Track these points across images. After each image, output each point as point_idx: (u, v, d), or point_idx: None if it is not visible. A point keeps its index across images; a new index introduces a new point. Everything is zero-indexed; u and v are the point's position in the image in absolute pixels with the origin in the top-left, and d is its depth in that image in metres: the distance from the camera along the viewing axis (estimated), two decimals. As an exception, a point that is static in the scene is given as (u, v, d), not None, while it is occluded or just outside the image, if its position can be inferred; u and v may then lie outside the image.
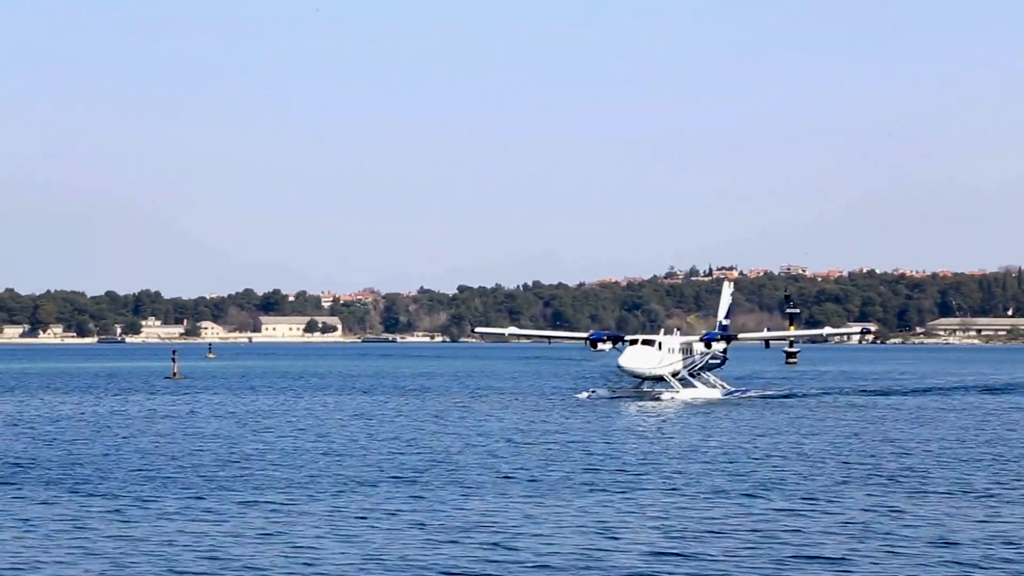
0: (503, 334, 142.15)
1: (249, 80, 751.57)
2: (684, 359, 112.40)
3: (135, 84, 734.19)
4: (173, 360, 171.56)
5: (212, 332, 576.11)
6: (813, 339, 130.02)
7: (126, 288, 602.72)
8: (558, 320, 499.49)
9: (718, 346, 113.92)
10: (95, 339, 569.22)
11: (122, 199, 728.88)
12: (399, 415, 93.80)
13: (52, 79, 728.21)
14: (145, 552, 37.47)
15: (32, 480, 54.34)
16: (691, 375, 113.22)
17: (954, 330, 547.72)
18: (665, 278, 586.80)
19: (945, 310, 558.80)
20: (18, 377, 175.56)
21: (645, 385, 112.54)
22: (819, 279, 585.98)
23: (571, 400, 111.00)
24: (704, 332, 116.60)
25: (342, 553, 37.09)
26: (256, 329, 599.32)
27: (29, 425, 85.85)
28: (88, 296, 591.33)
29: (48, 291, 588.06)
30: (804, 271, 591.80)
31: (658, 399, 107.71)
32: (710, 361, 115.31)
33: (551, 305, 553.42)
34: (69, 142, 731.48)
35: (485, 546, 37.97)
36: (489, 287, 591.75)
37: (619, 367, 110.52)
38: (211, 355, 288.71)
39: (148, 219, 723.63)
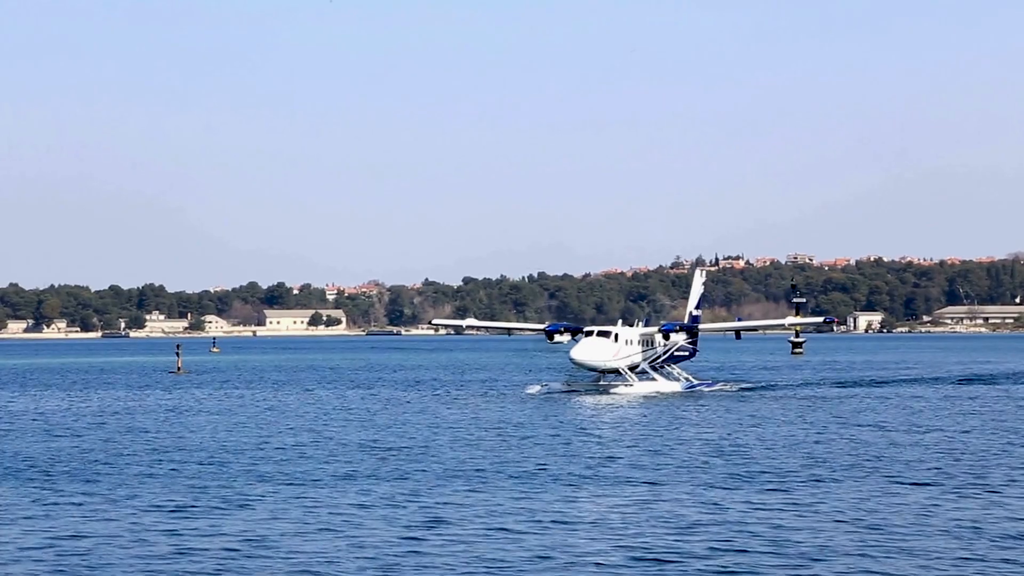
0: (461, 326, 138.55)
1: (254, 71, 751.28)
2: (644, 351, 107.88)
3: (139, 76, 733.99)
4: (177, 355, 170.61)
5: (216, 326, 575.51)
6: (749, 330, 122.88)
7: (130, 282, 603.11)
8: (563, 311, 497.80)
9: (677, 337, 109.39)
10: (99, 334, 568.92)
11: (126, 193, 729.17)
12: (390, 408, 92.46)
13: (54, 71, 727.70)
14: (149, 547, 35.97)
15: (39, 477, 52.92)
16: (653, 368, 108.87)
17: (961, 318, 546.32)
18: (671, 268, 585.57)
19: (952, 298, 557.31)
20: (21, 373, 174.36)
21: (606, 378, 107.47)
22: (826, 268, 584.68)
23: (520, 395, 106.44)
24: (662, 323, 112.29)
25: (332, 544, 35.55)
26: (260, 323, 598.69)
27: (31, 422, 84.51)
28: (92, 291, 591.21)
29: (52, 286, 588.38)
30: (811, 260, 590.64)
31: (609, 393, 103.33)
32: (676, 353, 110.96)
33: (556, 296, 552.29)
34: (72, 135, 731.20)
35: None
36: (494, 279, 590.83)
37: (571, 360, 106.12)
38: (215, 349, 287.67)
39: (152, 213, 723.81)
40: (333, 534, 38.56)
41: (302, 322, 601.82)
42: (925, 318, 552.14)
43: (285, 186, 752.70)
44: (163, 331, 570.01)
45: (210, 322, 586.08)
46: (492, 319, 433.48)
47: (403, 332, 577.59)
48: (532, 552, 35.82)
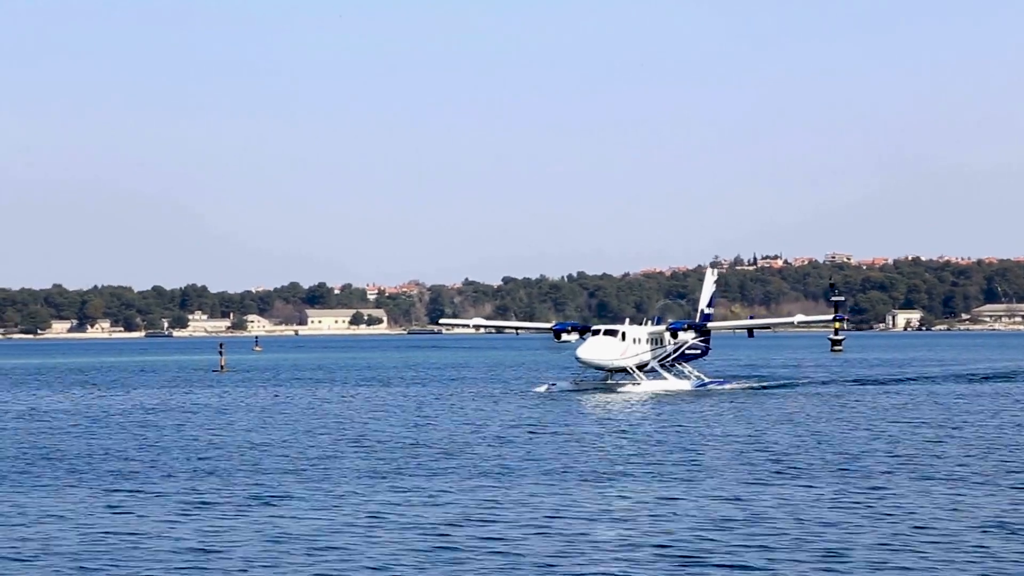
0: (468, 325, 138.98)
1: (295, 78, 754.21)
2: (653, 350, 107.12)
3: (179, 81, 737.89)
4: (220, 354, 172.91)
5: (258, 326, 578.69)
6: (761, 328, 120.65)
7: (173, 283, 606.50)
8: (603, 311, 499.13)
9: (686, 335, 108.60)
10: (142, 333, 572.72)
11: (169, 195, 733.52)
12: (431, 405, 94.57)
13: (93, 77, 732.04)
14: (203, 542, 38.48)
15: (90, 474, 55.36)
16: (663, 366, 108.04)
17: (1000, 316, 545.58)
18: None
19: (991, 296, 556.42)
20: (67, 372, 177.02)
21: (615, 377, 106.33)
22: (864, 267, 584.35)
23: (527, 393, 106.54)
24: (671, 321, 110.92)
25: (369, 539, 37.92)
26: (302, 322, 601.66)
27: (81, 420, 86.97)
28: (135, 291, 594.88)
29: (95, 286, 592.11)
30: (849, 259, 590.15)
31: (616, 392, 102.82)
32: (688, 352, 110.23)
33: (596, 295, 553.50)
34: (116, 139, 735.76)
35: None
36: (534, 278, 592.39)
37: (577, 359, 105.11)
38: (257, 348, 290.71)
39: (194, 214, 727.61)
40: (368, 530, 39.90)
41: (343, 321, 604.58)
42: (964, 316, 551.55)
43: (326, 188, 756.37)
44: (206, 331, 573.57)
45: (252, 322, 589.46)
46: (531, 318, 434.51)
47: (444, 331, 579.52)
48: (558, 546, 37.66)
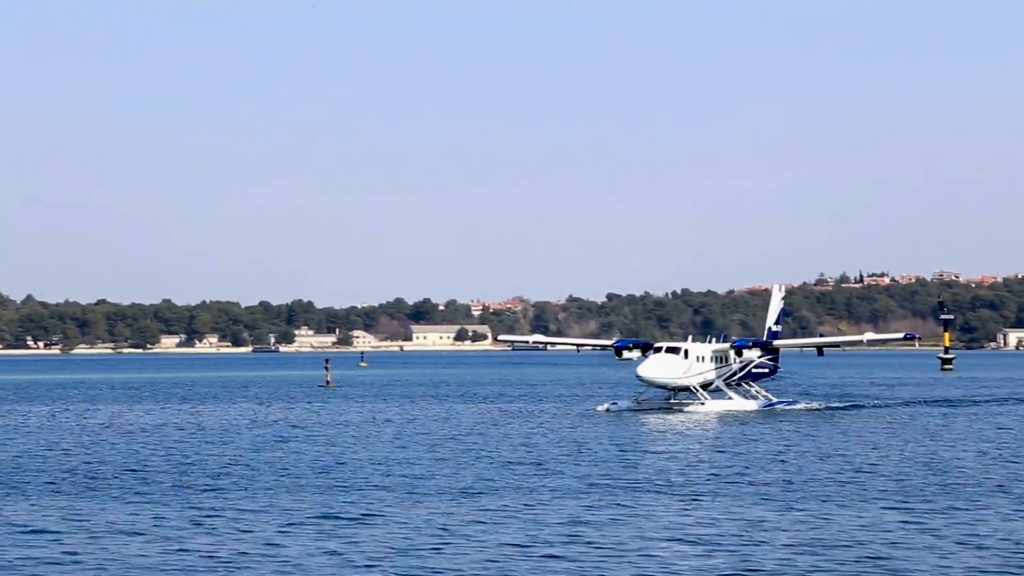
0: (527, 342, 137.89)
1: (413, 85, 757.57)
2: (717, 368, 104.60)
3: (298, 88, 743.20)
4: (326, 369, 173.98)
5: (364, 341, 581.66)
6: (831, 347, 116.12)
7: (279, 298, 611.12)
8: (707, 327, 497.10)
9: (751, 354, 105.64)
10: (249, 348, 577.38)
11: (276, 210, 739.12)
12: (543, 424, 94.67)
13: (221, 82, 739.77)
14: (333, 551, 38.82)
15: (226, 486, 55.99)
16: (728, 385, 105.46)
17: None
18: (815, 285, 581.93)
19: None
20: (181, 386, 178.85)
21: (678, 397, 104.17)
22: (973, 284, 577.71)
23: (588, 413, 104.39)
24: (736, 339, 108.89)
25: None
26: (407, 338, 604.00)
27: (181, 434, 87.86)
28: (242, 306, 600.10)
29: (203, 301, 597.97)
30: (957, 277, 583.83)
31: (680, 411, 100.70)
32: (754, 370, 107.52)
33: (700, 312, 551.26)
34: (223, 152, 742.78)
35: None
36: (638, 295, 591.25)
37: (638, 377, 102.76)
38: (363, 364, 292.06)
39: (301, 230, 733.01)
40: (459, 544, 40.44)
41: (448, 337, 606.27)
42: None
43: (429, 205, 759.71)
44: (312, 346, 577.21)
45: (358, 337, 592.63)
46: (636, 335, 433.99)
47: (548, 347, 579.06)
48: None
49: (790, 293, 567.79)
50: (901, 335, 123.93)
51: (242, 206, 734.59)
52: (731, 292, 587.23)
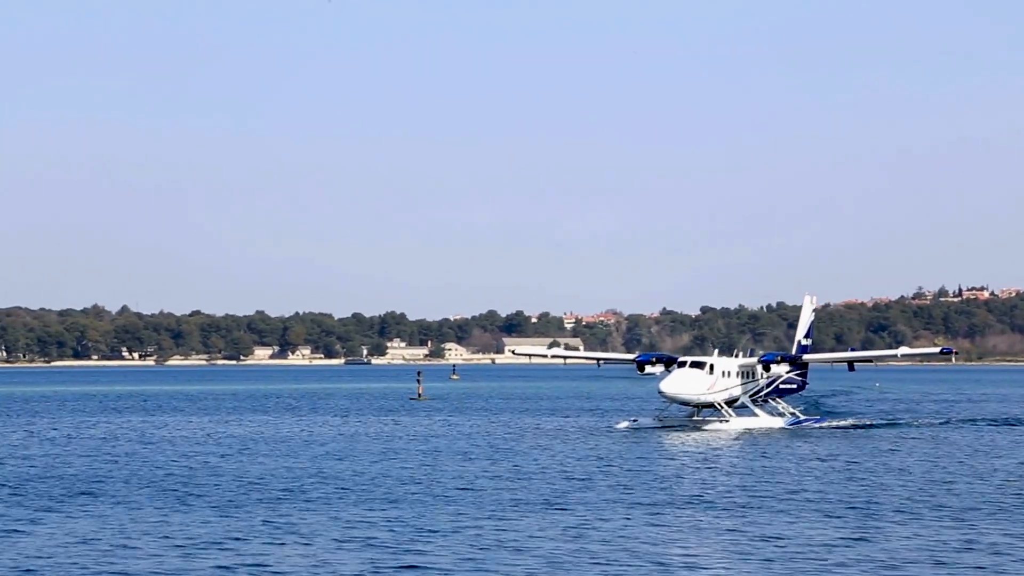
0: (545, 355, 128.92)
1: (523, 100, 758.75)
2: (744, 384, 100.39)
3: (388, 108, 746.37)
4: (418, 381, 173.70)
5: (456, 353, 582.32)
6: (863, 361, 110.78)
7: (372, 310, 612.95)
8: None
9: (779, 368, 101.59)
10: (342, 360, 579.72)
11: (370, 221, 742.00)
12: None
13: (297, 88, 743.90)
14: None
15: (309, 499, 55.23)
16: (754, 402, 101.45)
17: None
18: (913, 299, 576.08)
19: None
20: (271, 398, 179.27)
21: (702, 413, 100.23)
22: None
23: (607, 430, 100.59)
24: (762, 353, 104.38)
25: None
26: (499, 350, 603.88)
27: (289, 445, 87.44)
28: (335, 318, 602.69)
29: (296, 313, 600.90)
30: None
31: (702, 429, 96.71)
32: (782, 386, 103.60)
33: (794, 326, 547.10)
34: (307, 167, 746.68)
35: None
36: (732, 308, 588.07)
37: (660, 393, 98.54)
38: (455, 376, 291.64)
39: (394, 243, 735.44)
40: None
41: (541, 350, 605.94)
42: None
43: (525, 216, 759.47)
44: (404, 358, 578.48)
45: (450, 350, 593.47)
46: (731, 349, 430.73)
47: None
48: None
49: (886, 307, 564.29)
50: (937, 350, 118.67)
51: (336, 218, 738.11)
52: (826, 306, 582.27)
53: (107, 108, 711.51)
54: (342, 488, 59.50)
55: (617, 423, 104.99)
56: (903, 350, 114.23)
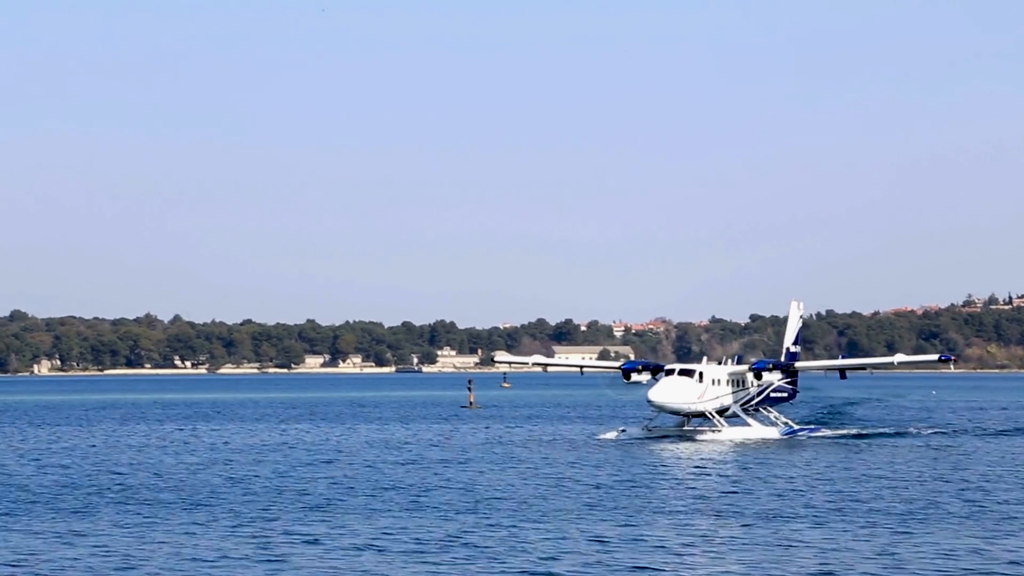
0: (526, 363, 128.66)
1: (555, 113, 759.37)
2: (735, 392, 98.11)
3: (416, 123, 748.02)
4: (469, 390, 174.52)
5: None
6: (856, 369, 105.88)
7: (422, 319, 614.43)
8: (853, 349, 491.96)
9: (771, 376, 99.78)
10: (392, 369, 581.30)
11: (417, 231, 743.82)
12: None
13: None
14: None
15: (359, 506, 56.52)
16: (746, 411, 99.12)
17: None
18: (963, 306, 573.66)
19: None
20: (322, 405, 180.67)
21: (692, 423, 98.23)
22: None
23: (592, 440, 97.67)
24: (753, 361, 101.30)
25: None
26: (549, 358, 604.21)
27: (340, 453, 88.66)
28: (386, 327, 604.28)
29: (347, 322, 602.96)
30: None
31: (693, 440, 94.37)
32: (773, 395, 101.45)
33: (845, 334, 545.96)
34: (358, 177, 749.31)
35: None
36: (782, 316, 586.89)
37: (649, 402, 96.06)
38: (506, 384, 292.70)
39: (443, 251, 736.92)
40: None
41: (590, 358, 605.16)
42: None
43: (573, 225, 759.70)
44: (454, 366, 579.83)
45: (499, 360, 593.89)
46: (777, 356, 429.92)
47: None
48: None
49: (936, 315, 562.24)
50: (935, 357, 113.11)
51: (385, 227, 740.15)
52: (876, 313, 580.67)
53: (157, 119, 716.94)
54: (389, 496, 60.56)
55: (602, 433, 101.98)
56: (899, 357, 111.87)
